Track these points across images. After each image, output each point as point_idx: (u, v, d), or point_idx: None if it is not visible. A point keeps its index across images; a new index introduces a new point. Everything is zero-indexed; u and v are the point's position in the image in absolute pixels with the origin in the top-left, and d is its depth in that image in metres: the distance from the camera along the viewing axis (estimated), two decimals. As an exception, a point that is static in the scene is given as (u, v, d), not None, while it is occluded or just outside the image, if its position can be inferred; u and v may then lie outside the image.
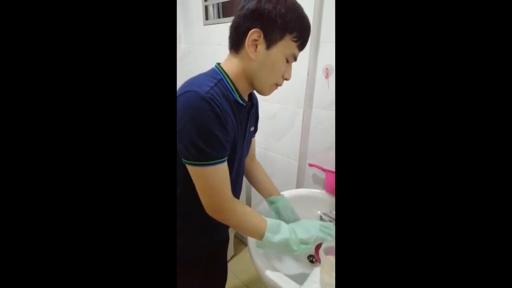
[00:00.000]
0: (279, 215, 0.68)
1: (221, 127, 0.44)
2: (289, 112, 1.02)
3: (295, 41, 0.47)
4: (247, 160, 0.70)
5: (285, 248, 0.51)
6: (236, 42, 0.48)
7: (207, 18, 1.24)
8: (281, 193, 0.74)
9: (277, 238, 0.50)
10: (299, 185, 1.06)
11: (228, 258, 1.36)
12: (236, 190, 0.60)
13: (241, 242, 1.48)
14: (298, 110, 0.97)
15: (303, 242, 0.52)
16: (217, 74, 0.49)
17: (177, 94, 0.45)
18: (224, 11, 1.22)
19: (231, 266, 1.32)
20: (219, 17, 1.22)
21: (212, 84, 0.45)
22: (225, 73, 0.49)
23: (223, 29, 1.16)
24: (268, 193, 0.72)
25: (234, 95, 0.49)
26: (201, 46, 1.31)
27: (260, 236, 0.50)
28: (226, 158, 0.47)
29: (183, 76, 1.32)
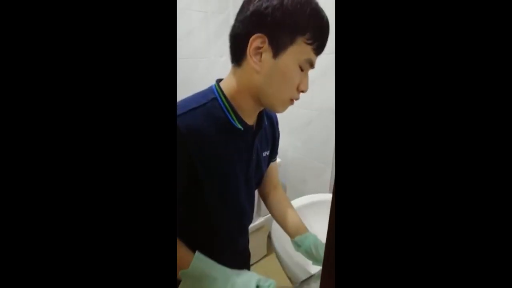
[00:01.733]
0: (310, 256, 0.54)
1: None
2: (325, 119, 1.05)
3: (309, 44, 0.38)
4: (268, 188, 0.63)
5: None
6: (237, 53, 0.40)
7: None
8: (315, 195, 0.77)
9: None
10: (332, 190, 1.08)
11: (260, 257, 1.41)
12: (243, 218, 0.53)
13: (273, 244, 1.53)
14: (334, 117, 1.00)
15: None
16: (211, 93, 0.42)
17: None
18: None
19: (262, 265, 1.37)
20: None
21: (195, 106, 0.39)
22: (221, 91, 0.42)
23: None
24: (294, 232, 0.57)
25: (230, 117, 0.42)
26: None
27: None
28: None
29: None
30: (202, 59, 1.29)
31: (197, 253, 0.42)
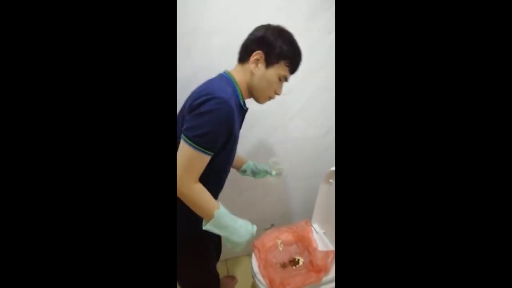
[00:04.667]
0: (254, 173, 0.89)
1: (226, 130, 0.56)
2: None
3: (287, 66, 0.62)
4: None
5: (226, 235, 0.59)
6: (244, 58, 0.63)
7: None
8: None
9: (223, 226, 0.58)
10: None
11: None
12: (226, 174, 0.71)
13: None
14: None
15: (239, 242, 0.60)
16: (230, 82, 0.62)
17: (203, 95, 0.53)
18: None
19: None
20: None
21: (230, 91, 0.58)
22: (236, 81, 0.63)
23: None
24: (239, 165, 0.89)
25: (241, 101, 0.63)
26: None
27: (207, 216, 0.57)
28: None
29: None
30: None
31: (221, 206, 0.58)
